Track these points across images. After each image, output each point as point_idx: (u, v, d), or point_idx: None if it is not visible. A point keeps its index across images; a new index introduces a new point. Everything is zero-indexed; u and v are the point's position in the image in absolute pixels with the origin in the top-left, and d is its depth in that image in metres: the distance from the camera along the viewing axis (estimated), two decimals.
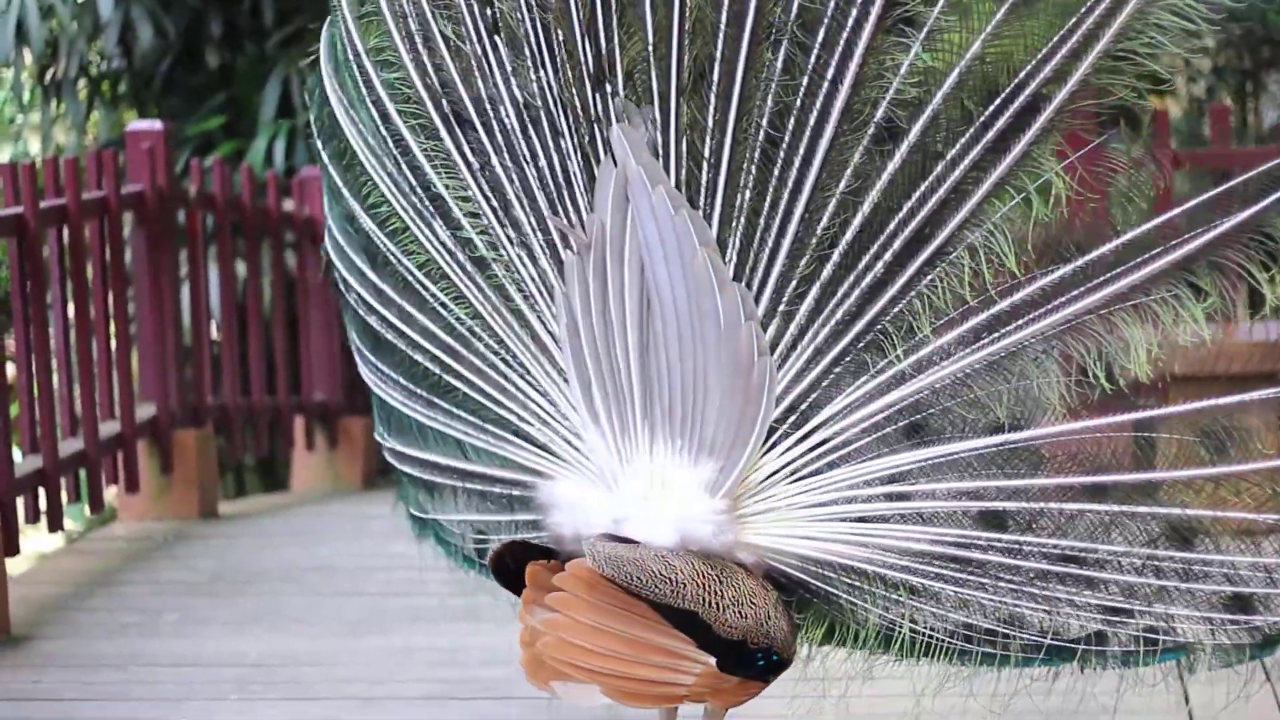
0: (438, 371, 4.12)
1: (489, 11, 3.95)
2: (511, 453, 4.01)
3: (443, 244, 4.04)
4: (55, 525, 6.62)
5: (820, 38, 3.77)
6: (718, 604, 3.73)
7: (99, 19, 9.53)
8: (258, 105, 9.85)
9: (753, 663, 3.79)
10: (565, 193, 3.92)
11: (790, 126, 3.81)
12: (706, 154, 3.84)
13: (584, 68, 3.88)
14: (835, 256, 3.82)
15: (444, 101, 4.01)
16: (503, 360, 4.01)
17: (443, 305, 4.07)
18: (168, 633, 5.82)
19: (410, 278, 4.10)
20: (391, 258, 4.12)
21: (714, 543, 3.80)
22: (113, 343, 7.24)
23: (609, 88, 3.88)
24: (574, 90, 3.90)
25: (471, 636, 5.46)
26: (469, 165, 4.01)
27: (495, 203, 3.98)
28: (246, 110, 10.02)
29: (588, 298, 3.88)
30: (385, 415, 4.31)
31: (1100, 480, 3.82)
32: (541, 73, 3.92)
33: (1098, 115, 3.77)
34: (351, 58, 4.11)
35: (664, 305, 3.83)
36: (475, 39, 3.97)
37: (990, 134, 3.76)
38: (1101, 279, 3.77)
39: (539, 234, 3.94)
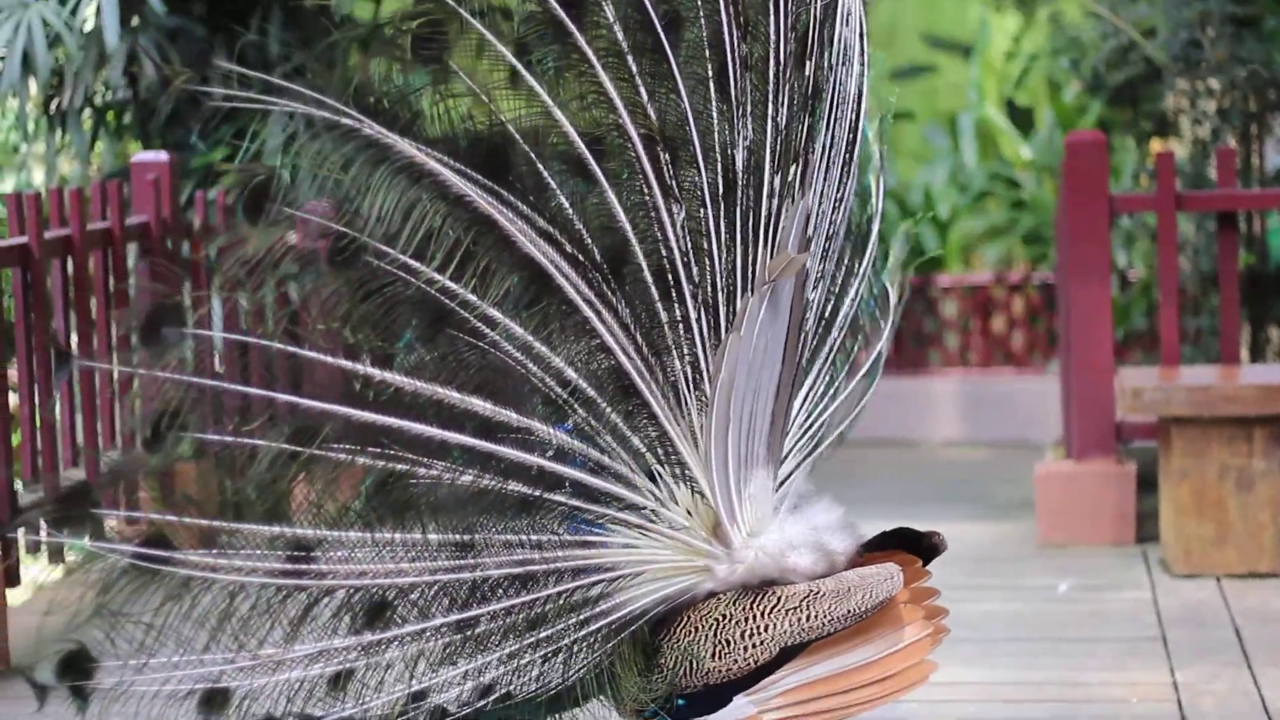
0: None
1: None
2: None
3: (631, 318, 4.01)
4: (57, 557, 6.61)
5: None
6: None
7: (105, 49, 9.54)
8: (265, 137, 9.83)
9: None
10: (753, 234, 3.92)
11: None
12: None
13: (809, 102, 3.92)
14: None
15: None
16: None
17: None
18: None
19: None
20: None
21: None
22: (115, 373, 7.24)
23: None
24: (797, 126, 3.91)
25: None
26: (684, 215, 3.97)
27: (702, 251, 3.95)
28: (253, 143, 9.99)
29: (753, 336, 3.86)
30: None
31: None
32: (772, 108, 3.90)
33: None
34: None
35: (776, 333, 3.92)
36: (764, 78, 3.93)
37: None
38: None
39: (722, 279, 3.93)
